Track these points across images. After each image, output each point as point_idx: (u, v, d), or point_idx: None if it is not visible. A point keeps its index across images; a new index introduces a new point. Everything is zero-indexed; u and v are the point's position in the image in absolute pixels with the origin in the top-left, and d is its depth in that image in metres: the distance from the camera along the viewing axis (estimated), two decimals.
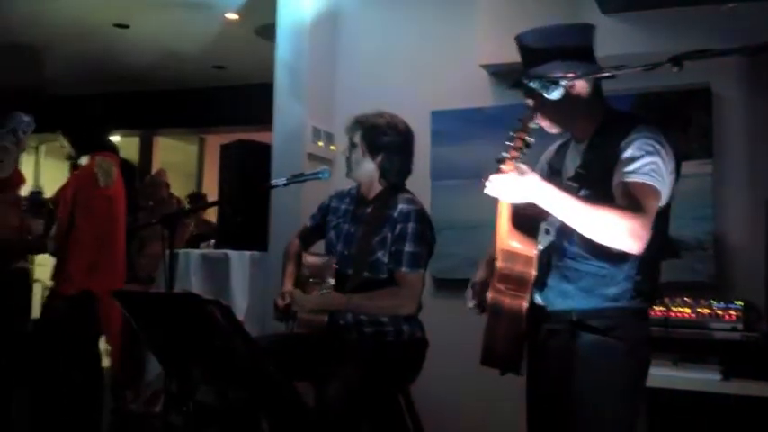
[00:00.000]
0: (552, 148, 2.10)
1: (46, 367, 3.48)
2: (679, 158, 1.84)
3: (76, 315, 3.46)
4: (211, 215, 5.80)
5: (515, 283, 1.85)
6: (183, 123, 7.72)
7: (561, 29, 1.92)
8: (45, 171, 8.25)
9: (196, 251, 4.03)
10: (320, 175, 2.62)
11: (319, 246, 2.78)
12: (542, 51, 1.88)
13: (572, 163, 1.96)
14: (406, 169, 2.63)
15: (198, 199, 6.64)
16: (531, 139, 1.77)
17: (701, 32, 3.10)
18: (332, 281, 2.50)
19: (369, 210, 2.58)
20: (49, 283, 3.68)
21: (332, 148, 3.85)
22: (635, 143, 1.77)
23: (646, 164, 1.74)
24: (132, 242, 4.26)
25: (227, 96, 7.01)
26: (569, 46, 1.88)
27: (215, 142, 7.30)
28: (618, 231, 1.67)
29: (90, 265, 3.50)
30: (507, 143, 1.74)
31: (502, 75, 3.57)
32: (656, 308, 2.78)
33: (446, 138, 3.75)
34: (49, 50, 6.24)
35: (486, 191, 1.76)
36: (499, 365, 1.93)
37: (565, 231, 1.82)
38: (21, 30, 5.69)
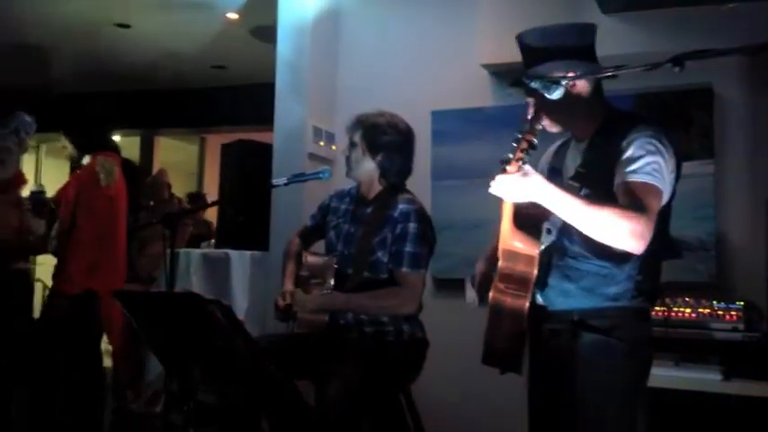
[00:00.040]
0: (553, 147, 2.10)
1: (47, 367, 3.49)
2: (679, 158, 1.84)
3: (78, 314, 3.46)
4: (210, 215, 5.80)
5: (517, 282, 1.85)
6: (183, 123, 7.72)
7: (562, 28, 1.92)
8: (46, 170, 8.25)
9: (197, 251, 4.04)
10: (321, 175, 2.62)
11: (319, 245, 2.78)
12: (543, 50, 1.88)
13: (572, 162, 1.96)
14: (406, 169, 2.63)
15: (197, 199, 6.64)
16: (536, 141, 1.77)
17: (702, 32, 3.10)
18: (332, 281, 2.50)
19: (369, 210, 2.58)
20: (50, 282, 3.68)
21: (333, 147, 3.85)
22: (636, 142, 1.77)
23: (647, 163, 1.74)
24: (133, 242, 4.26)
25: (228, 96, 7.01)
26: (570, 45, 1.88)
27: (216, 142, 7.30)
28: (620, 231, 1.67)
29: (91, 265, 3.51)
30: (513, 144, 1.74)
31: (502, 74, 3.57)
32: (657, 308, 2.77)
33: (446, 137, 3.75)
34: (50, 50, 6.24)
35: (491, 190, 1.76)
36: (500, 365, 1.92)
37: (566, 231, 1.82)
38: (21, 29, 5.69)
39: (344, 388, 2.25)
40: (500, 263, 1.88)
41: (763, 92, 3.25)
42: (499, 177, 1.73)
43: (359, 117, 2.63)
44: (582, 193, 1.81)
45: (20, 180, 3.69)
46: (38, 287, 3.82)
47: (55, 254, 3.63)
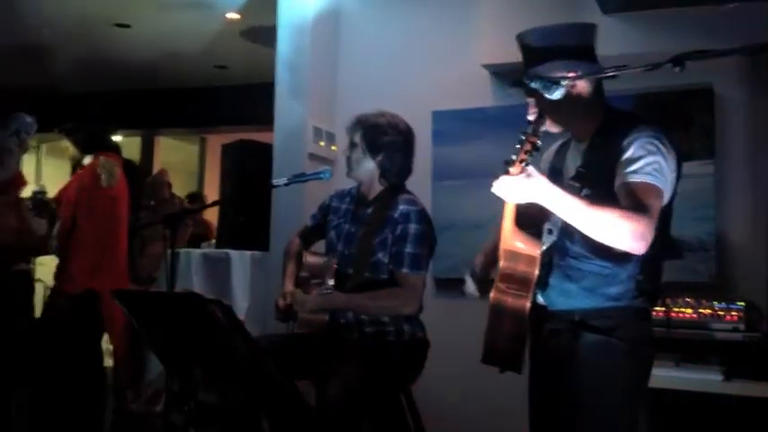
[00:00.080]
0: (553, 147, 2.10)
1: (48, 367, 3.49)
2: (680, 157, 1.84)
3: (79, 314, 3.46)
4: (210, 215, 5.80)
5: (518, 282, 1.85)
6: (184, 123, 7.71)
7: (563, 28, 1.92)
8: (46, 170, 8.25)
9: (197, 251, 4.04)
10: (321, 175, 2.62)
11: (320, 245, 2.78)
12: (543, 51, 1.88)
13: (573, 162, 1.96)
14: (406, 169, 2.63)
15: (196, 199, 6.64)
16: (540, 143, 1.77)
17: (702, 32, 3.10)
18: (332, 281, 2.50)
19: (369, 210, 2.58)
20: (52, 282, 3.69)
21: (333, 147, 3.85)
22: (636, 142, 1.77)
23: (648, 163, 1.74)
24: (133, 242, 4.26)
25: (229, 96, 7.00)
26: (570, 45, 1.88)
27: (216, 142, 7.30)
28: (622, 232, 1.68)
29: (92, 265, 3.51)
30: (517, 146, 1.74)
31: (503, 74, 3.57)
32: (658, 308, 2.77)
33: (447, 138, 3.75)
34: (50, 50, 6.24)
35: (493, 190, 1.76)
36: (500, 364, 1.93)
37: (567, 231, 1.82)
38: (22, 30, 5.68)
39: (345, 388, 2.25)
40: (501, 263, 1.88)
41: (763, 92, 3.25)
42: (502, 178, 1.74)
43: (359, 117, 2.63)
44: (582, 193, 1.82)
45: (20, 181, 3.69)
46: (38, 287, 3.81)
47: (56, 254, 3.63)
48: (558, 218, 1.78)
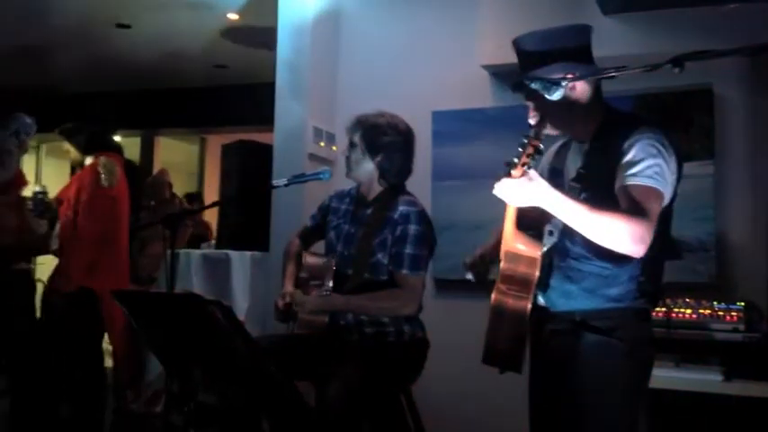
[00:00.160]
0: (553, 148, 2.10)
1: (48, 366, 3.49)
2: (681, 159, 1.84)
3: (75, 312, 3.46)
4: (209, 215, 5.80)
5: (519, 284, 1.86)
6: (184, 123, 7.72)
7: (559, 31, 1.91)
8: (46, 171, 8.26)
9: (197, 251, 4.04)
10: (321, 176, 2.62)
11: (319, 246, 2.78)
12: (541, 55, 1.88)
13: (573, 163, 1.96)
14: (406, 169, 2.62)
15: (195, 198, 6.65)
16: (542, 147, 1.78)
17: (702, 33, 3.10)
18: (331, 282, 2.50)
19: (369, 211, 2.58)
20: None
21: (333, 148, 3.85)
22: (637, 145, 1.77)
23: (648, 166, 1.74)
24: (133, 242, 4.26)
25: (229, 96, 7.01)
26: (567, 48, 1.88)
27: (216, 142, 7.30)
28: (621, 235, 1.68)
29: (90, 264, 3.50)
30: (519, 149, 1.75)
31: (503, 75, 3.58)
32: (658, 309, 2.78)
33: (447, 138, 3.75)
34: (50, 51, 6.24)
35: (495, 192, 1.77)
36: (500, 364, 1.93)
37: (568, 232, 1.82)
38: (22, 30, 5.69)
39: (345, 388, 2.25)
40: (502, 264, 1.89)
41: (763, 92, 3.25)
42: (503, 180, 1.74)
43: (359, 117, 2.63)
44: (582, 195, 1.82)
45: (20, 181, 3.69)
46: (39, 287, 3.81)
47: (56, 254, 3.63)
48: (559, 219, 1.78)
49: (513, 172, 1.73)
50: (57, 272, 3.59)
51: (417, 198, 2.61)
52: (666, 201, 1.79)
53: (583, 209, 1.71)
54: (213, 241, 4.58)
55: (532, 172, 1.72)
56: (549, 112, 1.87)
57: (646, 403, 2.23)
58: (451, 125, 3.75)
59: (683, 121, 3.25)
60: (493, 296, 1.91)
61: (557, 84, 1.77)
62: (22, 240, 3.53)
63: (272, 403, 2.21)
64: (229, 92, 6.99)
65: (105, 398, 3.72)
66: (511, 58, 1.98)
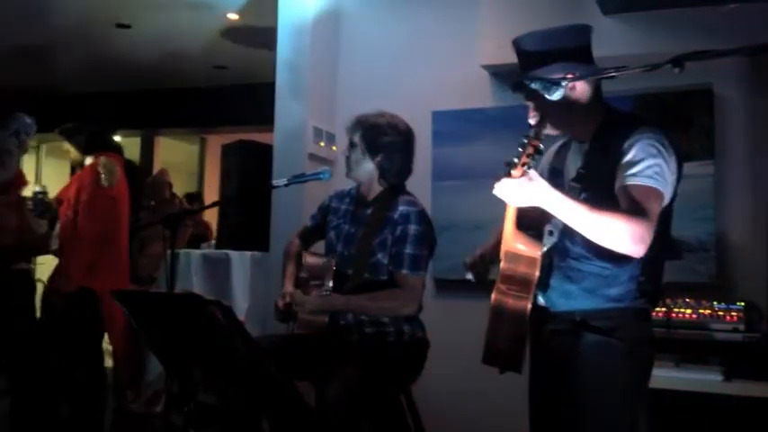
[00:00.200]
0: (553, 148, 2.10)
1: (48, 366, 3.49)
2: (681, 159, 1.84)
3: (75, 312, 3.46)
4: (208, 215, 5.80)
5: (519, 284, 1.86)
6: (184, 123, 7.72)
7: (559, 31, 1.91)
8: (46, 171, 8.26)
9: (197, 251, 4.04)
10: (321, 176, 2.62)
11: (319, 246, 2.78)
12: (541, 55, 1.88)
13: (573, 163, 1.96)
14: (406, 169, 2.62)
15: (194, 198, 6.65)
16: (542, 147, 1.78)
17: (702, 33, 3.10)
18: (330, 283, 2.50)
19: (369, 211, 2.58)
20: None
21: (333, 148, 3.85)
22: (637, 145, 1.77)
23: (648, 166, 1.74)
24: (133, 242, 4.26)
25: (229, 96, 7.01)
26: (567, 48, 1.88)
27: (216, 142, 7.30)
28: (621, 236, 1.69)
29: (90, 264, 3.50)
30: (519, 149, 1.75)
31: (503, 75, 3.58)
32: (658, 309, 2.78)
33: (447, 138, 3.75)
34: (50, 51, 6.24)
35: (495, 192, 1.77)
36: (500, 364, 1.93)
37: (568, 232, 1.82)
38: (22, 30, 5.69)
39: (345, 388, 2.25)
40: (502, 264, 1.89)
41: (763, 92, 3.25)
42: (503, 180, 1.74)
43: (359, 117, 2.62)
44: (583, 195, 1.82)
45: (20, 181, 3.69)
46: (39, 287, 3.82)
47: (56, 254, 3.64)
48: (559, 219, 1.78)
49: (513, 172, 1.74)
50: (57, 272, 3.60)
51: (417, 198, 2.61)
52: (666, 201, 1.79)
53: (583, 209, 1.71)
54: (213, 241, 4.58)
55: (532, 172, 1.72)
56: (549, 112, 1.87)
57: (646, 403, 2.23)
58: (451, 125, 3.75)
59: (683, 121, 3.25)
60: (493, 296, 1.91)
61: (557, 84, 1.77)
62: (23, 240, 3.53)
63: (272, 403, 2.21)
64: (229, 92, 6.99)
65: (105, 398, 3.72)
66: (511, 58, 1.98)
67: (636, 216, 1.69)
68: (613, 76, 1.76)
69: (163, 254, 2.35)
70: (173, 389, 2.31)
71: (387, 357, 2.46)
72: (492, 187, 1.76)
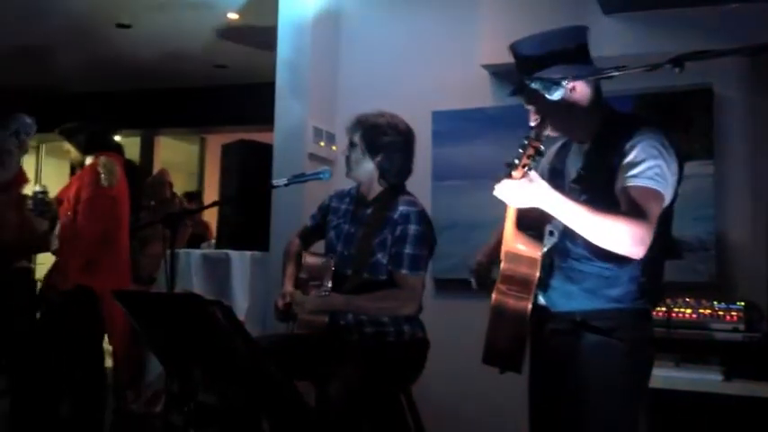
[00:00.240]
0: (554, 148, 2.10)
1: (48, 366, 3.49)
2: (681, 159, 1.84)
3: (72, 310, 3.45)
4: (208, 215, 5.80)
5: (519, 284, 1.86)
6: (184, 123, 7.73)
7: (556, 33, 1.91)
8: (46, 170, 8.26)
9: (197, 251, 4.04)
10: (321, 176, 2.62)
11: (319, 246, 2.78)
12: (539, 58, 1.87)
13: (573, 164, 1.96)
14: (406, 169, 2.62)
15: (194, 197, 6.65)
16: (543, 148, 1.78)
17: (702, 33, 3.10)
18: (330, 283, 2.50)
19: (369, 211, 2.58)
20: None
21: (333, 148, 3.85)
22: (638, 146, 1.77)
23: (649, 167, 1.74)
24: (133, 242, 4.26)
25: (229, 96, 7.01)
26: (565, 49, 1.88)
27: (216, 142, 7.30)
28: (621, 237, 1.69)
29: (88, 264, 3.50)
30: (519, 150, 1.75)
31: (503, 75, 3.58)
32: (658, 309, 2.78)
33: (447, 138, 3.75)
34: (50, 51, 6.25)
35: (495, 193, 1.77)
36: (500, 364, 1.93)
37: (569, 233, 1.82)
38: (22, 29, 5.69)
39: (345, 388, 2.25)
40: (503, 264, 1.89)
41: (763, 92, 3.25)
42: (504, 181, 1.74)
43: (359, 117, 2.62)
44: (583, 196, 1.82)
45: (21, 179, 3.69)
46: (39, 287, 3.82)
47: (55, 253, 3.63)
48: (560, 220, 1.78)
49: (513, 173, 1.73)
50: (54, 269, 3.59)
51: (417, 198, 2.61)
52: (667, 202, 1.79)
53: (583, 210, 1.71)
54: (213, 241, 4.58)
55: (533, 173, 1.72)
56: (550, 114, 1.87)
57: (646, 403, 2.22)
58: (451, 125, 3.75)
59: (683, 121, 3.25)
60: (493, 296, 1.91)
61: (557, 83, 1.77)
62: (23, 237, 3.53)
63: (272, 403, 2.21)
64: (229, 92, 7.00)
65: (105, 398, 3.72)
66: (511, 57, 1.98)
67: (636, 218, 1.69)
68: (613, 77, 1.76)
69: (163, 254, 2.34)
70: (173, 389, 2.31)
71: (387, 357, 2.46)
72: (492, 187, 1.76)
